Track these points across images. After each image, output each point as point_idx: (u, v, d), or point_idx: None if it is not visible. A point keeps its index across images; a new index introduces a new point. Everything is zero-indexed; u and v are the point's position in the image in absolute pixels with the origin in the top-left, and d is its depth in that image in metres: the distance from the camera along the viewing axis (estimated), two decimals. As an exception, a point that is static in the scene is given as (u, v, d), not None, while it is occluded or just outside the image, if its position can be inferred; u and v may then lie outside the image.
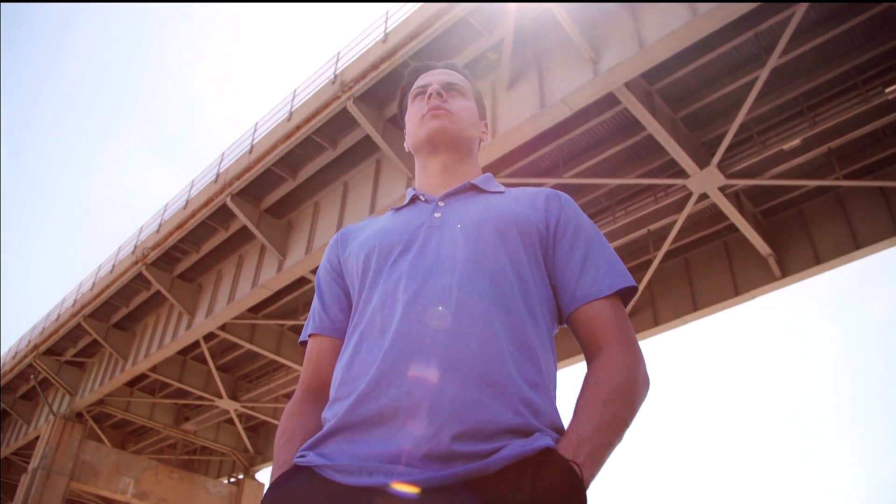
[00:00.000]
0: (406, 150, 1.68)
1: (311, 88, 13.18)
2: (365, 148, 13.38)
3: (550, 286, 1.35)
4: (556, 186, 13.14)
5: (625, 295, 1.34)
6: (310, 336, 1.46)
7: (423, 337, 1.16)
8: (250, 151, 14.09)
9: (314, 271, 14.77)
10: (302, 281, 15.80)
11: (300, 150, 13.73)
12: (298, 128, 12.94)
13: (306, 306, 17.70)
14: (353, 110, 11.92)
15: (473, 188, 1.48)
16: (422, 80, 1.61)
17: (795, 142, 11.71)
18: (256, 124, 14.55)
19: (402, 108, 1.70)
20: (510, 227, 1.32)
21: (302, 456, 1.19)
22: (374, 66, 11.66)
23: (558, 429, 1.17)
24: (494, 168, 12.66)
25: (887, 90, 10.79)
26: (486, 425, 1.08)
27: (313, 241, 13.98)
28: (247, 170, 14.04)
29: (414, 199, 1.48)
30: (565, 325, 1.37)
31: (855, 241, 12.63)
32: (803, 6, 9.30)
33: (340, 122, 12.98)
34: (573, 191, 13.61)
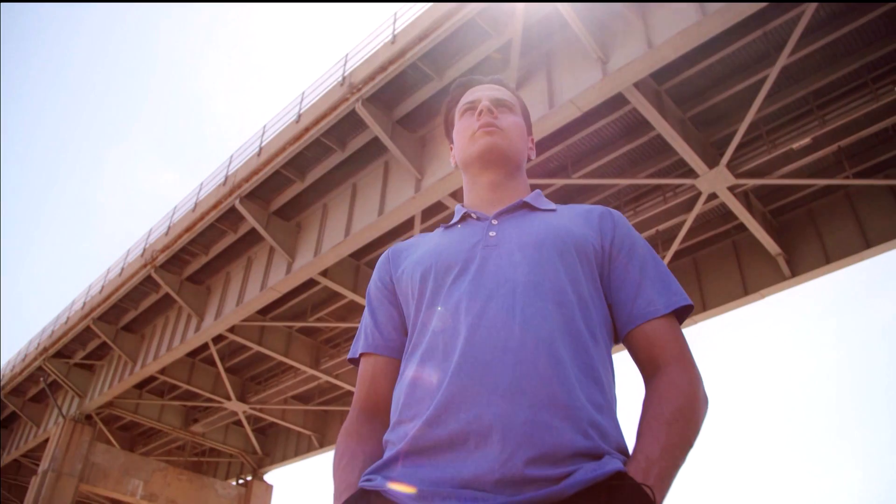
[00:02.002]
0: (452, 164, 1.67)
1: (320, 90, 13.20)
2: (373, 149, 13.40)
3: (606, 305, 1.35)
4: (564, 187, 13.15)
5: (680, 313, 1.34)
6: (362, 355, 1.45)
7: (490, 360, 1.15)
8: (259, 153, 14.13)
9: (323, 273, 14.80)
10: (310, 283, 15.81)
11: (309, 151, 13.76)
12: (307, 130, 12.96)
13: (315, 308, 17.73)
14: (362, 112, 11.94)
15: (526, 206, 1.47)
16: (470, 96, 1.60)
17: (805, 141, 11.68)
18: (265, 126, 14.58)
19: (449, 123, 1.69)
20: (568, 247, 1.32)
21: (369, 480, 1.18)
22: (383, 68, 11.67)
23: (623, 451, 1.18)
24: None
25: (897, 88, 10.76)
26: (559, 449, 1.08)
27: (322, 243, 14.00)
28: (255, 172, 14.07)
29: (465, 217, 1.47)
30: (619, 344, 1.37)
31: (865, 240, 12.59)
32: (813, 5, 9.28)
33: (349, 123, 13.00)
34: (581, 191, 13.61)
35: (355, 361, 1.48)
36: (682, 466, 1.14)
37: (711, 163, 11.55)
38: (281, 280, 14.67)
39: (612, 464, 1.09)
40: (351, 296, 15.53)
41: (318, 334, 19.52)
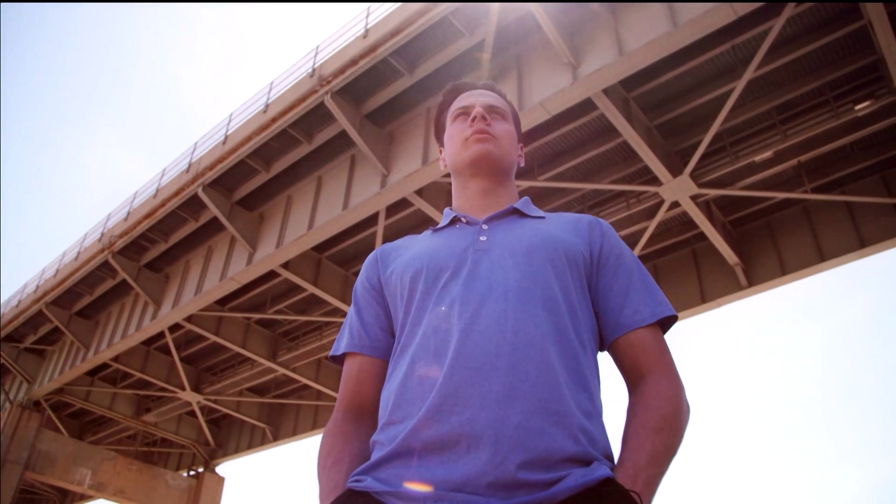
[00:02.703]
0: (441, 168, 1.68)
1: (289, 81, 13.08)
2: (340, 143, 13.32)
3: (593, 312, 1.37)
4: (529, 189, 13.21)
5: (665, 323, 1.36)
6: (347, 354, 1.44)
7: (482, 365, 1.16)
8: (224, 142, 13.95)
9: (284, 265, 14.67)
10: (271, 275, 15.68)
11: (275, 142, 13.63)
12: (274, 120, 12.84)
13: (275, 300, 17.60)
14: (331, 105, 11.86)
15: (516, 212, 1.48)
16: (464, 101, 1.60)
17: (767, 154, 11.91)
18: (231, 115, 14.41)
19: (440, 126, 1.69)
20: (559, 255, 1.34)
21: (358, 480, 1.18)
22: (354, 62, 11.61)
23: (609, 456, 1.20)
24: (470, 168, 12.66)
25: (857, 107, 11.03)
26: (550, 454, 1.10)
27: (284, 235, 13.89)
28: (220, 160, 13.89)
29: (454, 221, 1.48)
30: (604, 352, 1.39)
31: (820, 254, 12.89)
32: (781, 20, 9.46)
33: (317, 116, 12.91)
34: (547, 194, 13.70)
35: (338, 359, 1.47)
36: (666, 474, 1.17)
37: (675, 171, 11.71)
38: (241, 271, 14.52)
39: (602, 470, 1.11)
40: (311, 289, 15.43)
41: (277, 327, 19.37)
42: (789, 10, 9.38)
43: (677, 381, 1.28)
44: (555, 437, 1.11)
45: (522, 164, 1.67)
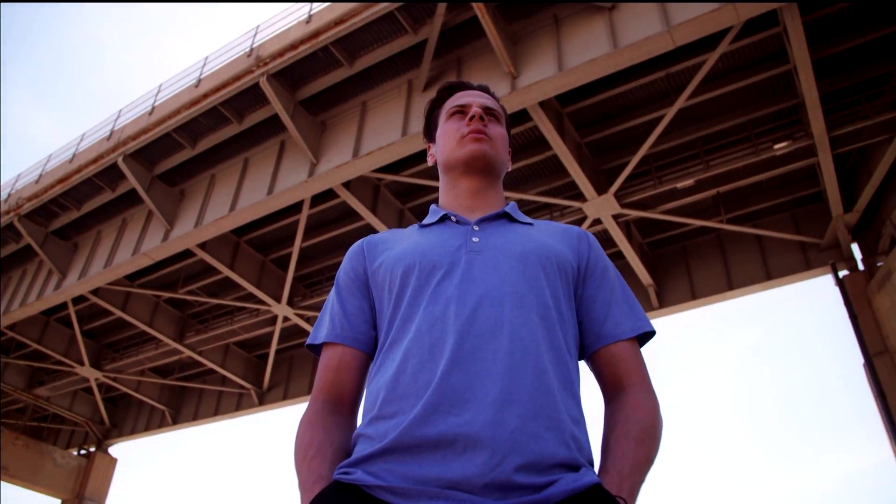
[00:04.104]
0: (430, 163, 1.69)
1: (225, 58, 12.79)
2: (272, 127, 13.10)
3: (577, 322, 1.40)
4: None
5: (643, 338, 1.42)
6: (328, 344, 1.42)
7: (480, 369, 1.18)
8: (151, 112, 13.52)
9: (201, 245, 14.31)
10: (186, 253, 15.28)
11: (204, 119, 13.28)
12: (206, 96, 12.53)
13: (188, 280, 17.14)
14: (266, 87, 11.66)
15: (506, 216, 1.50)
16: (461, 99, 1.61)
17: (689, 182, 12.32)
18: (161, 86, 13.98)
19: (432, 122, 1.69)
20: (551, 263, 1.36)
21: (346, 473, 1.18)
22: (294, 46, 11.44)
23: (591, 462, 1.24)
24: (403, 168, 12.67)
25: (776, 146, 11.55)
26: (544, 458, 1.13)
27: (205, 215, 13.54)
28: (144, 131, 13.45)
29: (444, 219, 1.48)
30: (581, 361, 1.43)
31: (728, 282, 13.42)
32: (715, 55, 9.82)
33: (250, 96, 12.65)
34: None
35: (314, 348, 1.45)
36: (645, 482, 1.23)
37: (601, 189, 11.99)
38: (156, 247, 14.07)
39: (590, 476, 1.16)
40: (227, 272, 15.08)
41: (187, 307, 18.87)
42: (724, 45, 9.74)
43: (654, 395, 1.34)
44: (548, 442, 1.14)
45: (509, 169, 1.68)
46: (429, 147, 1.69)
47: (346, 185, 12.53)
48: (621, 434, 1.25)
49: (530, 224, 1.50)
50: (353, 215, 14.05)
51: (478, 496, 1.07)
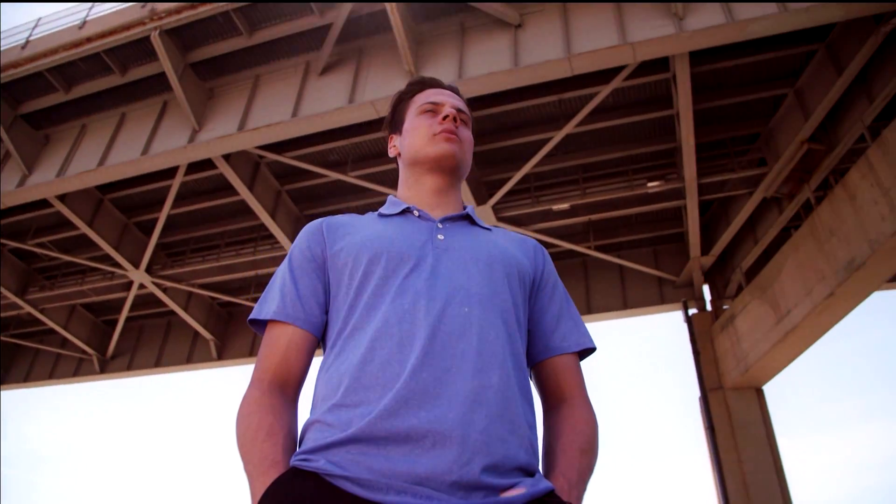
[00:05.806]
0: (391, 155, 1.69)
1: (116, 4, 12.08)
2: (156, 85, 12.48)
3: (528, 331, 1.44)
4: (336, 182, 13.20)
5: (583, 354, 1.48)
6: (275, 322, 1.38)
7: (450, 366, 1.19)
8: (24, 46, 12.57)
9: (61, 197, 13.45)
10: (42, 203, 14.30)
11: (84, 64, 12.47)
12: (89, 40, 11.78)
13: (39, 232, 16.03)
14: (157, 43, 11.11)
15: (468, 218, 1.52)
16: (434, 97, 1.61)
17: (564, 205, 12.78)
18: (40, 20, 13.03)
19: (399, 115, 1.68)
20: (514, 271, 1.40)
21: (306, 459, 1.16)
22: (193, 6, 10.95)
23: (537, 469, 1.28)
24: (287, 148, 12.44)
25: (649, 184, 12.19)
26: (507, 461, 1.16)
27: (69, 165, 12.72)
28: (14, 66, 12.47)
29: (406, 212, 1.49)
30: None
31: (588, 306, 14.01)
32: (608, 89, 10.26)
33: (138, 49, 12.01)
34: (353, 190, 13.73)
35: (258, 324, 1.41)
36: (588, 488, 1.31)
37: (480, 201, 12.24)
38: (10, 192, 13.05)
39: (545, 483, 1.20)
40: (85, 229, 14.21)
41: (35, 261, 17.65)
42: (617, 81, 10.20)
43: (592, 408, 1.40)
44: (511, 445, 1.18)
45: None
46: (391, 138, 1.70)
47: (227, 157, 12.14)
48: (567, 444, 1.31)
49: (489, 230, 1.53)
50: (229, 189, 13.62)
51: (444, 493, 1.08)
